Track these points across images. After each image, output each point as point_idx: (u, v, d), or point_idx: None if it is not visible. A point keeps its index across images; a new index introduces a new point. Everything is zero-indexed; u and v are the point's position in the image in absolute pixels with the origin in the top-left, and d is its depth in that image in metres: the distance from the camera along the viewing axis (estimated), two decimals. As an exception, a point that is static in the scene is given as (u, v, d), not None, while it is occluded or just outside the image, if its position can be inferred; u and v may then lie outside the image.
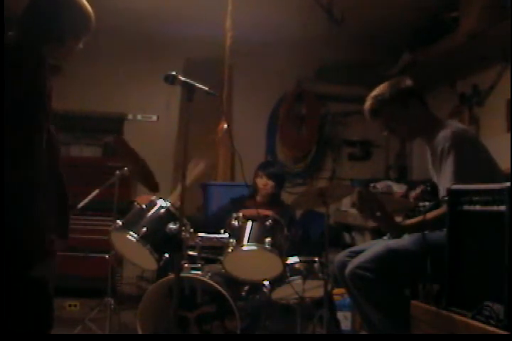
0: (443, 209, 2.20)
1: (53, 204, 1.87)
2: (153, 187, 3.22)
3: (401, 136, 2.67)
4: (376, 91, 2.53)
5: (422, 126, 2.53)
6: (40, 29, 1.90)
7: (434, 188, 2.60)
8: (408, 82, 2.54)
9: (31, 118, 1.74)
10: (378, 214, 2.37)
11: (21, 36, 1.88)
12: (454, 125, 2.48)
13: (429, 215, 2.31)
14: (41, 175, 1.75)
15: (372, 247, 2.49)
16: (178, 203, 3.42)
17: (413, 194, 2.81)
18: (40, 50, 1.86)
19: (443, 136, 2.38)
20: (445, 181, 2.29)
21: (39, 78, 1.76)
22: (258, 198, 3.72)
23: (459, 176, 2.26)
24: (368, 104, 2.53)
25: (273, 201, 3.74)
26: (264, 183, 3.67)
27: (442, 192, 2.31)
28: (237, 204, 3.65)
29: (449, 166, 2.32)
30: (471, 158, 2.36)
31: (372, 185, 2.56)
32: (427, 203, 2.50)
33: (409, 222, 2.43)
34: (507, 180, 1.77)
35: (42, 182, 1.75)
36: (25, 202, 1.71)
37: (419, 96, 2.54)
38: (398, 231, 2.46)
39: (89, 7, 1.99)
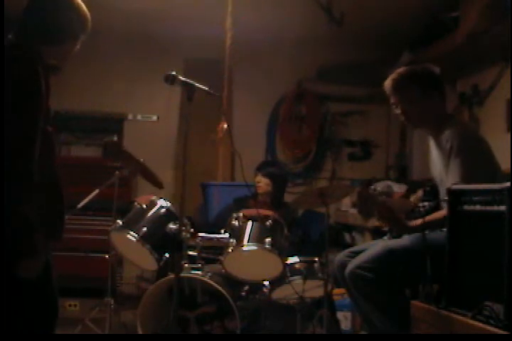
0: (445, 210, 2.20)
1: (48, 205, 1.86)
2: (159, 185, 3.22)
3: (410, 119, 2.62)
4: (404, 69, 2.56)
5: (432, 116, 2.52)
6: (38, 30, 1.89)
7: (434, 189, 2.60)
8: (437, 70, 2.55)
9: (27, 119, 1.73)
10: (385, 213, 2.37)
11: (19, 37, 1.87)
12: (464, 122, 2.48)
13: (432, 217, 2.31)
14: (36, 175, 1.75)
15: (372, 247, 2.49)
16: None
17: (413, 197, 2.81)
18: (37, 50, 1.85)
19: (453, 132, 2.38)
20: (453, 180, 2.28)
21: (35, 78, 1.76)
22: (259, 198, 3.74)
23: (467, 177, 2.26)
24: (391, 77, 2.54)
25: (276, 201, 3.75)
26: (258, 180, 3.72)
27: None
28: (240, 204, 3.66)
29: (458, 166, 2.31)
30: (479, 158, 2.36)
31: (372, 187, 2.55)
32: (426, 203, 2.50)
33: (415, 222, 2.42)
34: (507, 180, 1.77)
35: (37, 182, 1.75)
36: (20, 202, 1.71)
37: (441, 87, 2.54)
38: (405, 231, 2.45)
39: (85, 7, 1.99)
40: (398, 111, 2.55)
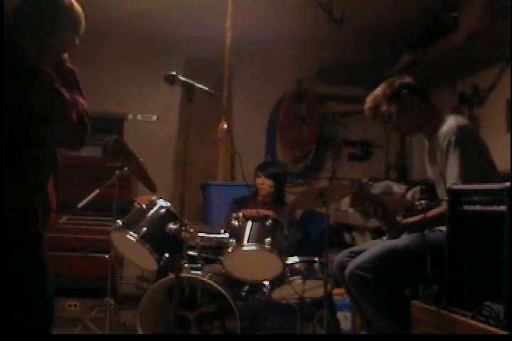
0: (444, 207, 2.21)
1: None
2: (152, 188, 3.22)
3: (402, 130, 2.74)
4: (374, 91, 2.60)
5: (422, 120, 2.56)
6: (32, 20, 1.92)
7: (430, 187, 2.61)
8: (404, 79, 2.59)
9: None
10: (379, 211, 2.38)
11: (14, 28, 1.91)
12: (458, 119, 2.49)
13: (430, 213, 2.32)
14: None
15: (371, 247, 2.49)
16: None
17: (410, 193, 2.83)
18: (29, 48, 1.89)
19: (448, 129, 2.39)
20: (452, 176, 2.29)
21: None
22: (259, 198, 3.74)
23: (465, 173, 2.27)
24: (367, 104, 2.60)
25: (276, 201, 3.75)
26: (262, 182, 3.71)
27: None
28: (239, 204, 3.66)
29: (454, 163, 2.32)
30: (476, 154, 2.37)
31: (365, 180, 2.57)
32: (423, 202, 2.51)
33: (409, 220, 2.43)
34: (507, 180, 1.77)
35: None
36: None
37: (417, 90, 2.57)
38: (398, 229, 2.46)
39: (77, 5, 2.04)
40: (389, 127, 2.61)
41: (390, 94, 2.53)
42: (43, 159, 1.87)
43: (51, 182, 1.89)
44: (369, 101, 2.59)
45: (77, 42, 2.03)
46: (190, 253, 3.10)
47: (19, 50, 1.84)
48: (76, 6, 2.02)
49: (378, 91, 2.57)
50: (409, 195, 2.86)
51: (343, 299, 3.54)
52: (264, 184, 3.71)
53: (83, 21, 2.03)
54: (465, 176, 2.25)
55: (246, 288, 3.22)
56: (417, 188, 2.74)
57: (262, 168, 3.80)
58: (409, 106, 2.53)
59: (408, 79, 2.59)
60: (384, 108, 2.54)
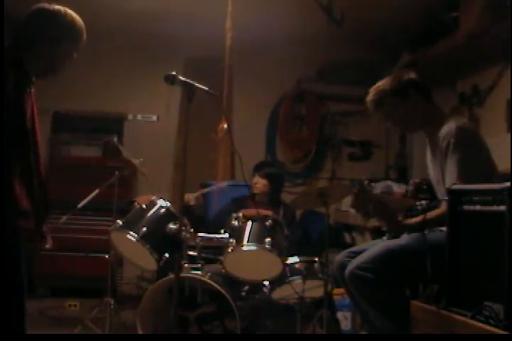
0: (444, 209, 2.21)
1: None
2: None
3: (402, 127, 2.72)
4: (379, 83, 2.56)
5: (423, 118, 2.54)
6: (32, 34, 1.99)
7: (430, 186, 2.61)
8: (411, 75, 2.55)
9: None
10: (380, 211, 2.38)
11: (18, 42, 1.96)
12: (459, 120, 2.48)
13: (430, 215, 2.32)
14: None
15: (371, 247, 2.49)
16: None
17: (409, 189, 2.83)
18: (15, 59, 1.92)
19: (449, 129, 2.37)
20: (451, 178, 2.29)
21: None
22: (256, 198, 3.75)
23: (464, 176, 2.27)
24: (370, 95, 2.55)
25: (273, 201, 3.77)
26: (256, 181, 3.77)
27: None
28: (239, 203, 3.67)
29: (454, 165, 2.31)
30: (476, 154, 2.37)
31: (366, 181, 2.56)
32: (423, 202, 2.51)
33: (410, 220, 2.43)
34: (507, 180, 1.77)
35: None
36: None
37: (422, 88, 2.54)
38: (399, 229, 2.46)
39: (77, 17, 2.11)
40: (389, 123, 2.59)
41: (395, 90, 2.49)
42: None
43: (20, 185, 1.90)
44: (373, 93, 2.53)
45: (75, 55, 2.10)
46: (190, 253, 3.10)
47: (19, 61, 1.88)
48: (77, 20, 2.08)
49: (384, 85, 2.52)
50: (412, 182, 2.86)
51: (343, 299, 3.54)
52: (258, 183, 3.75)
53: (84, 35, 2.11)
54: (464, 178, 2.25)
55: (246, 288, 3.22)
56: (414, 185, 2.74)
57: (257, 168, 3.85)
58: (413, 104, 2.50)
59: (415, 76, 2.55)
60: (387, 103, 2.51)
